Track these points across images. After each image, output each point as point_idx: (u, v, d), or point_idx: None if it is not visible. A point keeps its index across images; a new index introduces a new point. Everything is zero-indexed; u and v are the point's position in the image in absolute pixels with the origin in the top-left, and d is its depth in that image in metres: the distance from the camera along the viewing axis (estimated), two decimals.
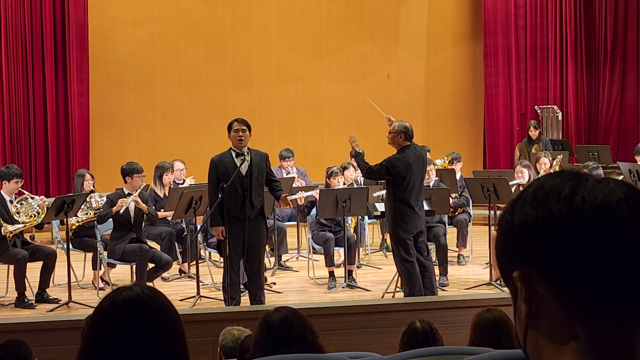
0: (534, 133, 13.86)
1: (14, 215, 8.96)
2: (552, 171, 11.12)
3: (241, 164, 8.16)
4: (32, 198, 9.24)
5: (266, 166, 8.39)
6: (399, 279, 8.66)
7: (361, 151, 8.66)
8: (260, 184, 8.28)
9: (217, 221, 8.16)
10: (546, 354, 1.18)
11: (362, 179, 11.27)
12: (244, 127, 8.24)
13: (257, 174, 8.24)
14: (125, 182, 9.35)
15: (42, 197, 9.45)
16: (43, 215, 9.07)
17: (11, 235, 8.82)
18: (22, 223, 8.99)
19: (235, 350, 4.70)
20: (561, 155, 12.12)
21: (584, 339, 1.15)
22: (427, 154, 9.08)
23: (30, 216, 9.09)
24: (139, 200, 9.19)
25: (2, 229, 8.78)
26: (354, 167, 11.03)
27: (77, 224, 9.47)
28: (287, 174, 11.39)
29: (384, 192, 10.27)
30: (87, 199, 9.43)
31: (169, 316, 2.19)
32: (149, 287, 2.28)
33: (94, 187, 10.14)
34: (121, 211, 9.05)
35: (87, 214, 9.46)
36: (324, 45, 15.55)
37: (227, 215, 8.09)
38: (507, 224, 1.20)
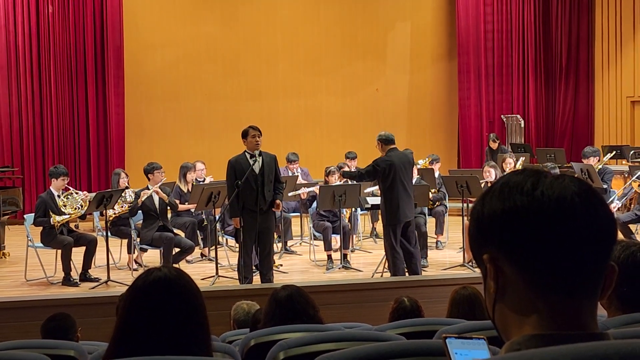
0: (494, 145, 13.85)
1: (61, 208, 8.95)
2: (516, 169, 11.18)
3: (254, 164, 8.17)
4: (76, 193, 9.22)
5: (275, 166, 8.39)
6: (386, 261, 8.66)
7: (345, 169, 8.83)
8: (271, 180, 8.28)
9: (235, 212, 8.18)
10: (511, 323, 1.18)
11: None
12: (259, 133, 8.26)
13: (268, 172, 8.24)
14: (149, 179, 9.39)
15: (85, 192, 9.43)
16: (85, 208, 9.07)
17: (59, 224, 8.82)
18: (68, 214, 8.98)
19: (245, 322, 4.70)
20: (524, 158, 12.13)
21: (542, 311, 1.15)
22: (412, 155, 9.10)
23: (75, 208, 9.07)
24: (158, 190, 9.23)
25: (51, 219, 8.78)
26: (349, 167, 11.04)
27: (114, 215, 9.48)
28: (292, 174, 11.40)
29: (373, 188, 10.30)
30: (123, 195, 9.43)
31: (193, 292, 2.19)
32: (175, 268, 2.28)
33: (128, 183, 10.13)
34: (144, 199, 9.09)
35: (122, 207, 9.47)
36: (323, 64, 15.53)
37: (243, 207, 8.11)
38: (478, 214, 1.20)
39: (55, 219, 8.76)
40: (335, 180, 10.00)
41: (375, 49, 15.74)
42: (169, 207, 9.45)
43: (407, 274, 8.35)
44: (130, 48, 14.37)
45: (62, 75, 13.82)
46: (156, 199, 9.25)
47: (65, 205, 8.97)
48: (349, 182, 9.77)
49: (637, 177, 9.86)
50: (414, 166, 8.75)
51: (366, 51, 15.67)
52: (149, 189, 9.25)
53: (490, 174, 10.13)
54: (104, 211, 8.93)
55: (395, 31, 15.83)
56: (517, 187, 1.16)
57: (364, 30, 15.65)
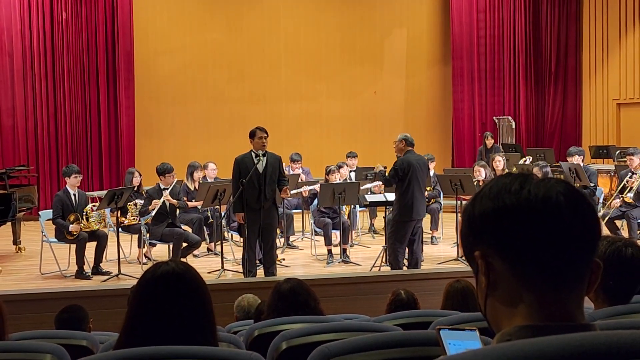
0: (489, 142, 13.80)
1: (84, 219, 8.93)
2: (507, 170, 11.20)
3: (258, 163, 8.17)
4: (98, 210, 9.17)
5: (279, 166, 8.39)
6: (384, 256, 8.65)
7: (382, 169, 8.64)
8: (273, 180, 8.27)
9: (239, 209, 8.18)
10: (502, 316, 1.19)
11: (354, 174, 11.30)
12: (266, 135, 8.26)
13: (271, 172, 8.24)
14: (160, 179, 9.39)
15: (103, 210, 9.31)
16: (104, 221, 9.14)
17: (77, 232, 8.81)
18: (91, 224, 8.98)
19: (245, 319, 4.71)
20: (528, 159, 12.23)
21: (532, 303, 1.16)
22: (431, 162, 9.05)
23: (99, 222, 9.09)
24: (169, 197, 9.23)
25: (71, 226, 8.76)
26: (348, 166, 11.04)
27: (127, 224, 9.51)
28: (293, 172, 11.40)
29: (370, 185, 10.30)
30: (134, 205, 9.45)
31: (199, 285, 2.19)
32: (182, 262, 2.28)
33: (141, 182, 10.11)
34: (154, 211, 9.12)
35: (134, 218, 9.51)
36: (324, 69, 15.53)
37: (246, 204, 8.11)
38: (469, 214, 1.21)
39: (77, 225, 8.76)
40: (335, 178, 10.00)
41: (372, 54, 15.73)
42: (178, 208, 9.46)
43: (405, 268, 8.34)
44: (140, 53, 14.37)
45: (75, 78, 13.83)
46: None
47: (88, 219, 8.97)
48: (348, 181, 9.75)
49: (621, 189, 9.83)
50: (428, 170, 8.72)
51: (364, 57, 15.67)
52: (160, 190, 9.22)
53: (481, 173, 10.13)
54: (116, 207, 8.92)
55: (392, 37, 15.82)
56: (505, 188, 1.18)
57: (362, 36, 15.64)
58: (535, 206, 1.14)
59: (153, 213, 9.16)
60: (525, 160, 12.03)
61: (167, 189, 9.29)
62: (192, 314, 2.13)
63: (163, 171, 9.36)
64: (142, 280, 2.22)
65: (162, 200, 9.17)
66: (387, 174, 8.40)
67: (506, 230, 1.15)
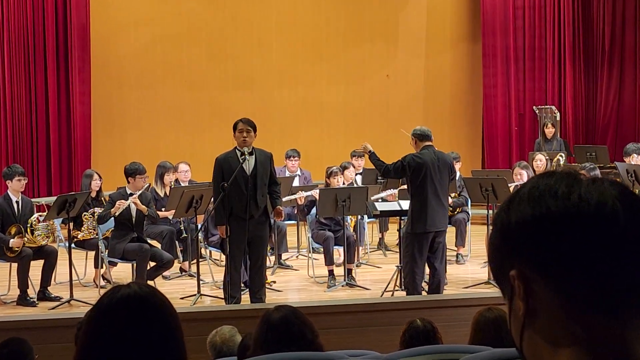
0: (549, 130, 13.62)
1: (29, 232, 8.93)
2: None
3: (243, 162, 8.14)
4: (46, 221, 9.17)
5: (270, 166, 8.38)
6: (398, 277, 8.64)
7: (373, 151, 8.74)
8: (265, 183, 8.26)
9: (221, 220, 8.16)
10: (544, 353, 1.18)
11: (361, 178, 11.29)
12: (249, 128, 8.23)
13: (262, 173, 8.23)
14: (128, 182, 9.34)
15: (52, 222, 9.32)
16: (53, 235, 9.16)
17: (22, 246, 8.82)
18: (36, 238, 8.98)
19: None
20: (565, 155, 12.18)
21: (581, 338, 1.15)
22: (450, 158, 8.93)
23: (47, 237, 9.11)
24: (138, 202, 9.15)
25: (11, 241, 8.76)
26: (354, 167, 11.03)
27: (81, 238, 9.52)
28: (290, 174, 11.35)
29: (383, 194, 10.29)
30: (91, 215, 9.45)
31: (167, 313, 2.18)
32: (146, 285, 2.27)
33: (101, 187, 10.08)
34: (117, 213, 9.04)
35: (90, 231, 9.52)
36: (324, 49, 15.54)
37: (231, 214, 8.09)
38: (502, 223, 1.20)
39: (17, 242, 8.76)
40: (338, 182, 9.99)
41: (384, 30, 15.74)
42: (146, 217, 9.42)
43: (425, 293, 8.33)
44: (98, 27, 14.36)
45: (17, 58, 13.78)
46: (133, 207, 9.19)
47: (33, 232, 8.97)
48: (354, 185, 9.75)
49: None
50: (452, 170, 8.69)
51: (374, 33, 15.67)
52: (126, 199, 9.13)
53: (522, 177, 10.13)
54: (67, 217, 8.92)
55: (409, 9, 15.84)
56: (549, 191, 1.17)
57: (371, 9, 15.65)
58: (587, 213, 1.14)
59: (118, 213, 9.05)
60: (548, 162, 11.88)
61: (135, 194, 9.21)
62: (158, 346, 2.12)
63: (133, 172, 9.30)
64: (98, 305, 2.20)
65: (129, 201, 9.11)
66: (390, 164, 8.37)
67: (551, 243, 1.14)
